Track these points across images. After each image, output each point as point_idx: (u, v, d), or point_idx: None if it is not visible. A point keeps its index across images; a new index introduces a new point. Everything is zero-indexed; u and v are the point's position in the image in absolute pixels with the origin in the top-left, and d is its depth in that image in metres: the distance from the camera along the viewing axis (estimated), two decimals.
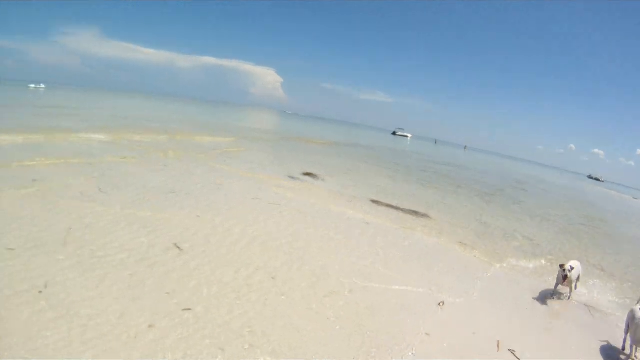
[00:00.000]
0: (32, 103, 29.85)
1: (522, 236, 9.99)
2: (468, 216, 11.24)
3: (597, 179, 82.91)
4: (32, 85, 74.79)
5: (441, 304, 4.94)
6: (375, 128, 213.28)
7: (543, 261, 8.04)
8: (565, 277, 5.86)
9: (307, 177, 12.59)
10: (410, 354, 3.72)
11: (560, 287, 6.21)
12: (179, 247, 5.25)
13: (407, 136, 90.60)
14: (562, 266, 5.96)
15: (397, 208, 10.18)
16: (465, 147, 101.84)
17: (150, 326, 3.47)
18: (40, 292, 3.70)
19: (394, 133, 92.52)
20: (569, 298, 6.22)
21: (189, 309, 3.81)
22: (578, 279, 6.45)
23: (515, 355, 4.05)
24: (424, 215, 9.89)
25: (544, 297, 5.98)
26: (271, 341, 3.53)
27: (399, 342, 3.87)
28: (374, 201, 10.59)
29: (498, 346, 4.18)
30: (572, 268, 5.92)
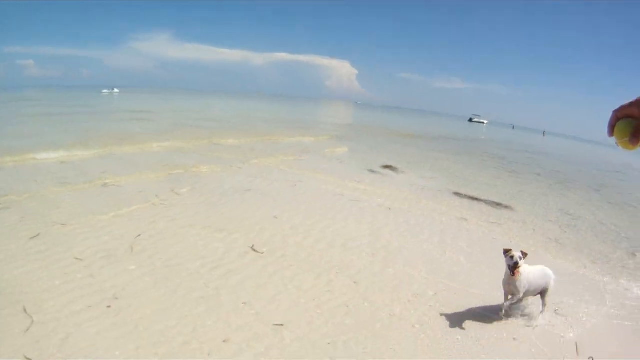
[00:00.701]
0: (105, 109, 30.00)
1: (614, 231, 8.05)
2: (552, 207, 9.63)
3: None
4: (106, 91, 71.73)
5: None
6: (450, 115, 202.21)
7: None
8: (515, 266, 3.52)
9: (386, 170, 12.03)
10: None
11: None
12: (256, 251, 4.84)
13: (483, 122, 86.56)
14: (507, 252, 3.61)
15: (478, 200, 9.36)
16: (544, 133, 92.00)
17: (224, 341, 3.09)
18: (109, 306, 3.38)
19: (470, 120, 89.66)
20: (542, 322, 3.85)
21: (281, 325, 3.39)
22: (545, 293, 3.90)
23: None
24: (507, 207, 8.94)
25: None
26: (353, 355, 3.15)
27: (489, 351, 3.36)
28: (455, 193, 9.78)
29: (577, 351, 3.48)
30: (524, 256, 3.56)
